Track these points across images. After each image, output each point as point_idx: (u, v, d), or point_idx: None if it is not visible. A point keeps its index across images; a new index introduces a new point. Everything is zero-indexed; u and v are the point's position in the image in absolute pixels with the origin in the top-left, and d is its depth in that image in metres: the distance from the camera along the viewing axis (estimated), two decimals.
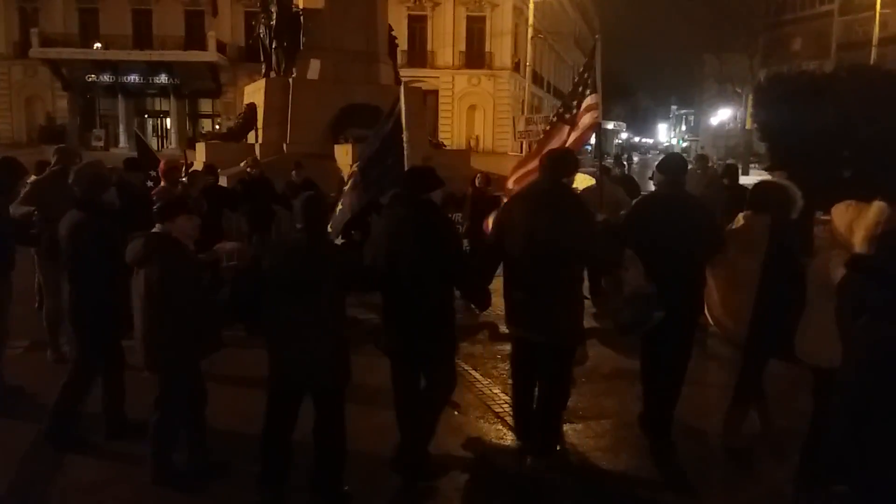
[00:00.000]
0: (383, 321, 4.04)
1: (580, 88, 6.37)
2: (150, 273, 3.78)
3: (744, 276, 4.23)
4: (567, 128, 6.30)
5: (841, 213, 3.81)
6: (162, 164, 7.71)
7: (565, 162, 4.36)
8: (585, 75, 6.38)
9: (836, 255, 3.59)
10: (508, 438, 4.73)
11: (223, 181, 12.64)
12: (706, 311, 4.51)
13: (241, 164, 13.39)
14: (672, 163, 4.83)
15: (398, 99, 5.67)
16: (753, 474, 4.35)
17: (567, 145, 6.15)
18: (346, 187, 5.88)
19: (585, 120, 6.17)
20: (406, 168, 5.05)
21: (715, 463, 4.44)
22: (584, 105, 6.18)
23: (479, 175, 9.90)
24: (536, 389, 4.35)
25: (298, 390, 3.74)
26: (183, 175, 8.07)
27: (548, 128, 6.77)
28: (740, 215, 4.45)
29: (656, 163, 4.93)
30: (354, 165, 5.75)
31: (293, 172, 9.46)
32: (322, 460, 3.80)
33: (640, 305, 4.21)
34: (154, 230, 3.90)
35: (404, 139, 5.38)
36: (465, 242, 7.56)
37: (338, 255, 3.90)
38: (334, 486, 3.82)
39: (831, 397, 3.00)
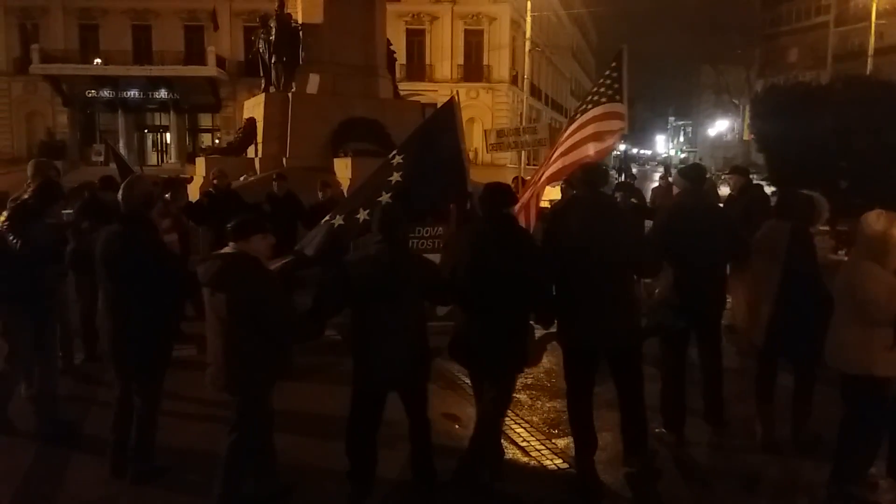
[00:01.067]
0: (461, 333, 4.17)
1: (601, 93, 6.40)
2: (234, 295, 3.63)
3: (767, 282, 4.46)
4: (588, 137, 6.32)
5: (874, 221, 3.85)
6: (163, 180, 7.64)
7: (600, 173, 4.61)
8: (609, 82, 6.42)
9: (868, 267, 3.74)
10: (508, 451, 4.72)
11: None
12: (731, 315, 4.79)
13: (241, 179, 13.44)
14: (695, 172, 5.07)
15: (451, 111, 5.60)
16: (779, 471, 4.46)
17: (593, 155, 6.22)
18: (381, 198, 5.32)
19: (612, 126, 6.23)
20: (467, 183, 5.26)
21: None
22: (608, 111, 6.24)
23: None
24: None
25: (383, 390, 3.95)
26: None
27: (566, 133, 6.65)
28: (766, 223, 4.75)
29: (678, 170, 5.29)
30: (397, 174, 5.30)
31: (274, 184, 9.22)
32: (418, 448, 4.11)
33: (667, 313, 4.51)
34: (227, 250, 3.75)
35: (463, 151, 5.40)
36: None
37: (419, 265, 4.06)
38: (430, 468, 4.12)
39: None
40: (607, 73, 6.77)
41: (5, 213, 4.79)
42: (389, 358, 3.82)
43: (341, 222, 5.13)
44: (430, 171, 5.29)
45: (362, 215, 5.02)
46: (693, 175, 4.97)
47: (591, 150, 6.39)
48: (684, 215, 4.75)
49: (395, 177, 5.22)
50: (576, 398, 4.39)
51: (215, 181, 8.97)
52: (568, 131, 6.74)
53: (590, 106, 6.61)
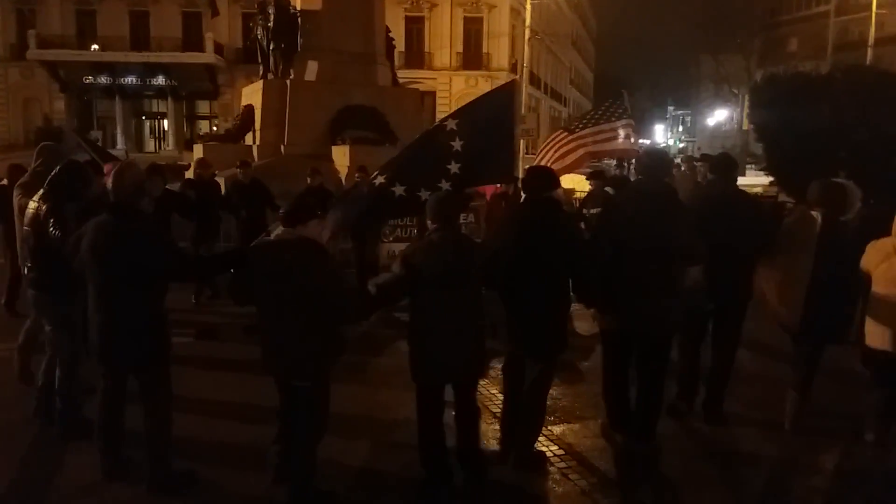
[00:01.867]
0: (506, 318, 4.22)
1: (611, 113, 6.53)
2: (302, 280, 3.54)
3: (799, 268, 4.60)
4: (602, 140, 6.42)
5: None
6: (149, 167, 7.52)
7: (665, 163, 4.81)
8: (612, 109, 6.57)
9: None
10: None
11: (220, 182, 12.68)
12: (762, 301, 4.92)
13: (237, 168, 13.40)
14: (724, 161, 5.24)
15: (510, 94, 5.58)
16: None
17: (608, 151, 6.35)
18: (442, 185, 5.20)
19: (624, 133, 6.38)
20: (515, 167, 5.20)
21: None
22: (619, 124, 6.39)
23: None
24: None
25: (445, 381, 3.95)
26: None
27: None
28: (799, 210, 4.96)
29: (710, 161, 5.53)
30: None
31: (239, 172, 9.11)
32: (466, 440, 4.11)
33: (698, 297, 4.67)
34: (286, 235, 3.66)
35: (516, 136, 5.34)
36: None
37: (478, 251, 4.06)
38: (478, 460, 4.14)
39: None
40: (611, 105, 6.91)
41: (39, 199, 4.44)
42: (451, 348, 3.85)
43: (402, 193, 5.02)
44: (483, 151, 5.25)
45: (424, 195, 4.96)
46: (722, 165, 5.17)
47: (605, 147, 6.54)
48: (714, 203, 4.88)
49: (454, 167, 5.16)
50: (613, 378, 4.63)
51: (200, 170, 8.83)
52: (575, 135, 6.78)
53: (601, 122, 6.73)
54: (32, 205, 4.48)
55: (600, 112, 7.07)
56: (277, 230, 3.73)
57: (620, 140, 6.72)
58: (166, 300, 4.01)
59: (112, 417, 4.03)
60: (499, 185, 9.24)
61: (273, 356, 3.69)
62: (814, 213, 4.69)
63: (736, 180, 5.17)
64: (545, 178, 4.34)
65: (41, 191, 4.48)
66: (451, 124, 5.19)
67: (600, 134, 6.67)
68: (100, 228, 3.80)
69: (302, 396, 3.69)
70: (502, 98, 5.61)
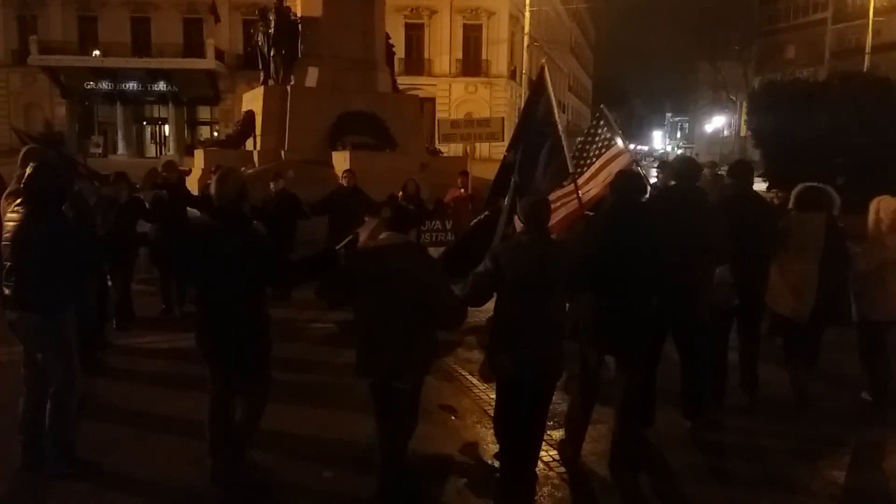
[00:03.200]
0: (593, 319, 4.27)
1: (600, 145, 6.49)
2: (411, 283, 3.63)
3: (806, 264, 5.18)
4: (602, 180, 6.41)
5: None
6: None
7: (693, 167, 5.16)
8: (601, 135, 6.49)
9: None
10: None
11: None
12: (769, 294, 5.36)
13: (242, 170, 13.47)
14: (741, 168, 5.71)
15: (541, 83, 5.81)
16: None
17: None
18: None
19: (620, 164, 6.39)
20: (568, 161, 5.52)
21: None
22: (612, 155, 6.37)
23: (409, 181, 9.41)
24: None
25: (530, 380, 3.97)
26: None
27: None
28: (794, 214, 5.39)
29: (727, 168, 6.01)
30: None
31: (272, 183, 9.05)
32: (534, 440, 4.16)
33: (725, 292, 5.00)
34: (391, 240, 3.73)
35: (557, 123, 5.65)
36: None
37: (567, 254, 4.12)
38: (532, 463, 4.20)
39: None
40: (595, 129, 6.80)
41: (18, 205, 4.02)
42: (536, 348, 3.91)
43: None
44: (539, 157, 5.53)
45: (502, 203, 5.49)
46: (739, 171, 5.62)
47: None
48: (734, 205, 5.23)
49: (515, 178, 5.58)
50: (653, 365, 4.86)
51: (165, 173, 8.60)
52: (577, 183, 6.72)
53: (593, 159, 6.70)
54: (13, 214, 4.01)
55: (589, 145, 6.88)
56: (382, 235, 3.80)
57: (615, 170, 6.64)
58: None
59: (222, 420, 3.96)
60: (462, 190, 9.24)
61: (375, 357, 3.72)
62: (813, 215, 5.24)
63: (752, 184, 5.60)
64: (638, 183, 4.53)
65: (20, 198, 4.02)
66: (510, 156, 5.71)
67: (598, 176, 6.57)
68: (206, 232, 3.89)
69: (400, 397, 3.75)
70: (538, 91, 5.85)
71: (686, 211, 4.66)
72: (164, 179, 8.53)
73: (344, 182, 9.17)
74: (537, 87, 5.96)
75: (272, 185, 8.97)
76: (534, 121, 5.72)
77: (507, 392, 4.09)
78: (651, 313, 4.32)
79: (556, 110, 5.76)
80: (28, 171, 3.96)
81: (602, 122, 6.60)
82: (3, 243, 3.99)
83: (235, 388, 3.98)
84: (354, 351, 3.81)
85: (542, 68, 6.04)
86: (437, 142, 10.98)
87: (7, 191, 4.93)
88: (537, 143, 5.66)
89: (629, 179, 4.52)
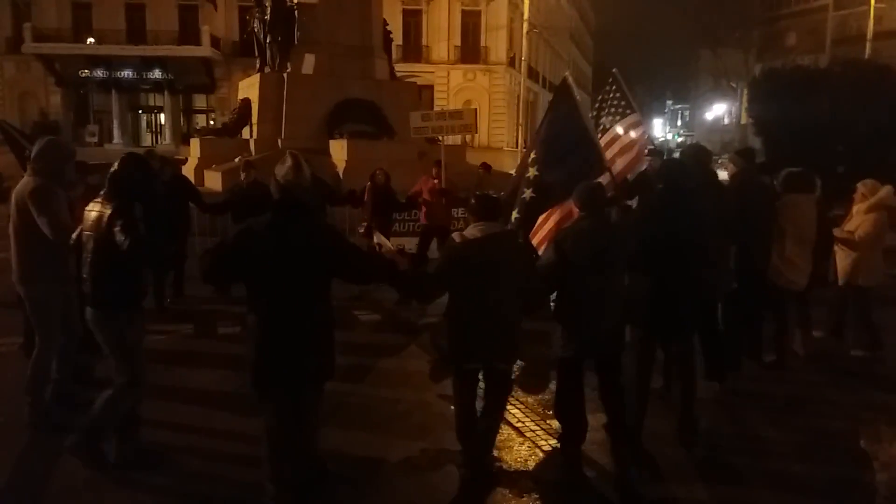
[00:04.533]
0: (649, 301, 4.37)
1: (613, 113, 6.57)
2: (512, 268, 3.86)
3: (802, 240, 5.80)
4: (616, 154, 6.53)
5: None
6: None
7: (708, 154, 5.91)
8: (615, 102, 6.59)
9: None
10: (504, 432, 4.73)
11: (217, 176, 12.63)
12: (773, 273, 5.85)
13: (236, 160, 13.35)
14: (746, 154, 6.21)
15: (567, 93, 5.95)
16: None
17: (623, 169, 6.52)
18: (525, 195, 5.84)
19: (633, 136, 6.47)
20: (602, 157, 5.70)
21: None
22: (626, 126, 6.48)
23: (378, 171, 9.01)
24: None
25: (590, 356, 4.13)
26: None
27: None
28: (789, 195, 5.83)
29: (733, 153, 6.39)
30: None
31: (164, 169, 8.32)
32: (615, 415, 4.26)
33: (725, 275, 5.42)
34: (491, 229, 3.84)
35: (589, 129, 5.79)
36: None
37: (624, 237, 4.24)
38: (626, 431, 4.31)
39: None
40: (609, 94, 6.91)
41: (101, 200, 3.93)
42: (602, 327, 4.07)
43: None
44: (563, 155, 5.61)
45: (513, 214, 5.68)
46: (745, 157, 6.12)
47: (619, 165, 6.65)
48: (743, 190, 5.71)
49: (532, 171, 5.62)
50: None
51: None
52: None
53: (607, 126, 6.85)
54: (94, 207, 3.93)
55: (604, 111, 6.98)
56: (474, 225, 3.84)
57: (635, 149, 6.65)
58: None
59: (292, 439, 3.48)
60: (435, 181, 9.06)
61: (479, 343, 3.83)
62: (805, 196, 5.84)
63: (756, 170, 6.10)
64: (683, 171, 4.79)
65: (103, 190, 3.95)
66: (532, 154, 5.82)
67: (614, 145, 6.66)
68: (277, 230, 3.29)
69: (502, 378, 4.00)
70: (563, 99, 5.96)
71: (715, 196, 5.18)
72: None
73: (243, 175, 8.61)
74: (562, 97, 6.01)
75: (243, 176, 8.53)
76: (558, 125, 5.83)
77: (571, 373, 4.20)
78: (697, 291, 4.57)
79: (586, 114, 5.89)
80: (114, 165, 3.97)
81: (615, 88, 6.61)
82: (85, 233, 3.99)
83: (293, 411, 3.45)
84: (447, 340, 3.94)
85: (565, 80, 6.04)
86: (410, 134, 10.75)
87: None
88: (562, 146, 5.75)
89: (676, 168, 4.82)
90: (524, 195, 5.64)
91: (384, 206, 8.85)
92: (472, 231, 3.83)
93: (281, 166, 3.40)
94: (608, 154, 6.45)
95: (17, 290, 4.77)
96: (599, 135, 6.64)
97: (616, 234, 4.22)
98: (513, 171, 6.97)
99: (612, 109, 6.82)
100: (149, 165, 4.21)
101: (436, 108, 11.31)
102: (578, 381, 4.21)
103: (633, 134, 6.66)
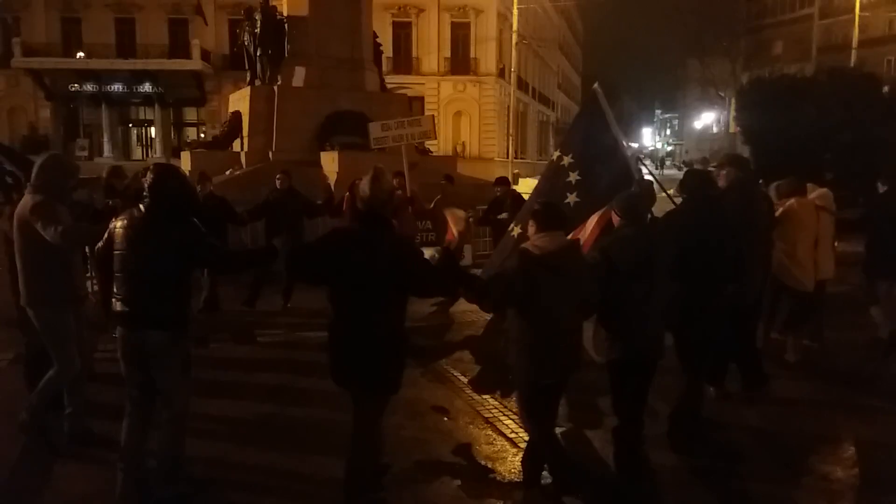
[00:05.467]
0: (687, 308, 4.53)
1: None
2: (582, 276, 3.92)
3: (807, 242, 6.20)
4: None
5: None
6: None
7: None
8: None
9: None
10: (498, 443, 4.74)
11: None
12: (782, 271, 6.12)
13: (227, 173, 13.34)
14: (740, 161, 6.33)
15: (596, 104, 5.88)
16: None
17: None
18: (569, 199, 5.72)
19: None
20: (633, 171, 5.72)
21: None
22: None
23: (358, 179, 9.06)
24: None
25: (639, 362, 4.18)
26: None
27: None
28: (792, 201, 6.18)
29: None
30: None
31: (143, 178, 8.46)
32: (631, 420, 4.30)
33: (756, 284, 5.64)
34: (562, 238, 3.90)
35: (620, 141, 5.77)
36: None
37: (667, 244, 4.32)
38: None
39: None
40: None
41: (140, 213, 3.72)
42: (647, 332, 4.16)
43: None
44: (600, 167, 5.64)
45: None
46: (740, 164, 6.13)
47: None
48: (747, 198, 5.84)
49: (573, 176, 5.57)
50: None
51: (112, 180, 7.75)
52: None
53: None
54: (124, 222, 3.72)
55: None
56: (541, 236, 3.85)
57: None
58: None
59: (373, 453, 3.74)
60: (399, 191, 9.04)
61: (552, 359, 3.87)
62: (804, 200, 6.24)
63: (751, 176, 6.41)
64: (710, 181, 5.14)
65: (141, 204, 3.72)
66: (567, 159, 5.67)
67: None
68: (352, 239, 3.52)
69: (561, 391, 4.08)
70: (592, 113, 5.92)
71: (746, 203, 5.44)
72: (110, 186, 7.53)
73: (278, 184, 8.71)
74: (593, 106, 5.99)
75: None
76: (592, 132, 5.81)
77: (622, 375, 4.25)
78: (727, 298, 4.78)
79: (614, 124, 5.88)
80: (150, 176, 3.70)
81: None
82: (116, 253, 3.69)
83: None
84: (514, 355, 3.92)
85: (594, 91, 6.03)
86: (371, 145, 10.67)
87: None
88: (594, 154, 5.75)
89: (704, 179, 5.11)
90: (567, 200, 5.53)
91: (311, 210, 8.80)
92: (541, 241, 3.83)
93: (364, 179, 3.65)
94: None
95: (20, 311, 4.62)
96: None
97: (659, 240, 4.31)
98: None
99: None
100: (184, 175, 3.95)
101: (402, 118, 11.21)
102: (630, 380, 4.24)
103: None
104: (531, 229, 3.95)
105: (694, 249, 4.51)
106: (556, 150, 5.93)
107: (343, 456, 3.65)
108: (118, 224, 3.73)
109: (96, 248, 3.86)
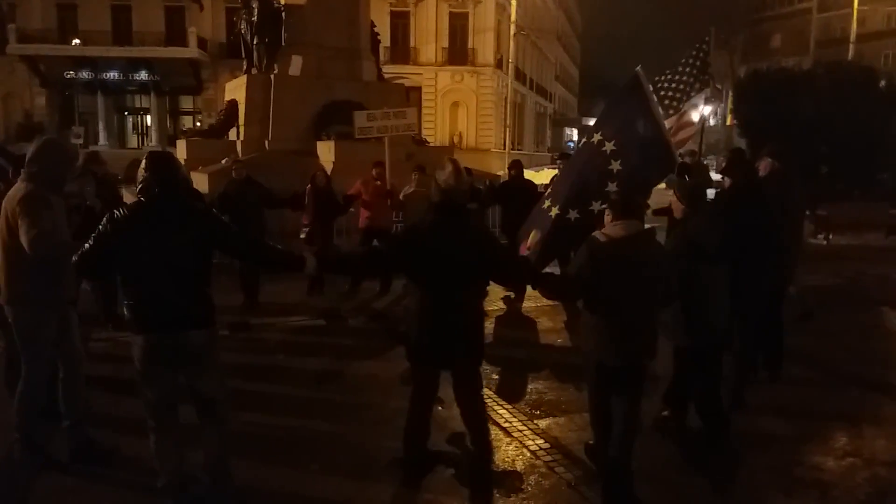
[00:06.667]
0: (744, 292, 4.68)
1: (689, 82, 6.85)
2: (655, 265, 3.99)
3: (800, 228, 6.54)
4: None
5: None
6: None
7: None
8: (695, 70, 6.85)
9: None
10: (492, 432, 4.75)
11: (203, 178, 12.59)
12: None
13: (223, 162, 13.28)
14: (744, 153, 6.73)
15: (639, 87, 5.88)
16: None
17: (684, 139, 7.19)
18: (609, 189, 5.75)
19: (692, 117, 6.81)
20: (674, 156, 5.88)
21: None
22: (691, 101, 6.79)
23: (319, 172, 9.04)
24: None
25: (715, 342, 4.39)
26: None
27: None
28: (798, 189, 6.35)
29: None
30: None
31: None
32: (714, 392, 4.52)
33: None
34: (635, 228, 3.86)
35: (662, 126, 5.82)
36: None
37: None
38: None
39: None
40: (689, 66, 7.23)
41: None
42: (718, 315, 4.34)
43: (577, 215, 5.55)
44: (641, 152, 5.65)
45: (596, 206, 5.44)
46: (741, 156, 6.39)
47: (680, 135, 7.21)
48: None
49: (616, 165, 5.59)
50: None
51: (93, 167, 7.20)
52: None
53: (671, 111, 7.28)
54: (128, 219, 3.42)
55: (686, 77, 7.26)
56: (618, 224, 3.85)
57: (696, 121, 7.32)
58: None
59: (423, 410, 4.14)
60: (378, 182, 9.00)
61: (629, 343, 3.86)
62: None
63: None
64: (749, 167, 5.56)
65: (142, 196, 3.41)
66: (609, 146, 5.63)
67: (683, 117, 7.19)
68: (437, 229, 3.77)
69: (642, 375, 3.94)
70: (633, 98, 5.89)
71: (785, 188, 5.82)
72: (93, 173, 6.90)
73: (234, 174, 8.50)
74: (634, 90, 5.98)
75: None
76: (632, 115, 5.84)
77: (698, 360, 4.42)
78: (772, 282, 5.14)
79: (657, 110, 5.98)
80: (150, 165, 3.41)
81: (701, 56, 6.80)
82: (127, 253, 3.41)
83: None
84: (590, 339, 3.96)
85: (637, 74, 6.00)
86: (355, 134, 10.65)
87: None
88: (635, 142, 5.78)
89: (744, 163, 5.53)
90: (608, 189, 5.55)
91: (325, 209, 8.73)
92: (615, 230, 3.84)
93: (442, 172, 3.82)
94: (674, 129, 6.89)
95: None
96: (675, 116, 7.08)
97: (726, 226, 4.48)
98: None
99: (693, 81, 7.21)
100: (178, 164, 3.64)
101: (388, 109, 11.17)
102: (704, 365, 4.41)
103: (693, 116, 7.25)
104: (607, 218, 3.97)
105: (743, 233, 4.70)
106: (595, 133, 5.83)
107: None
108: (121, 221, 3.32)
109: (79, 253, 3.40)
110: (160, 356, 3.38)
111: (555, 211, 5.62)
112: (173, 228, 3.33)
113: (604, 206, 5.61)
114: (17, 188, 3.95)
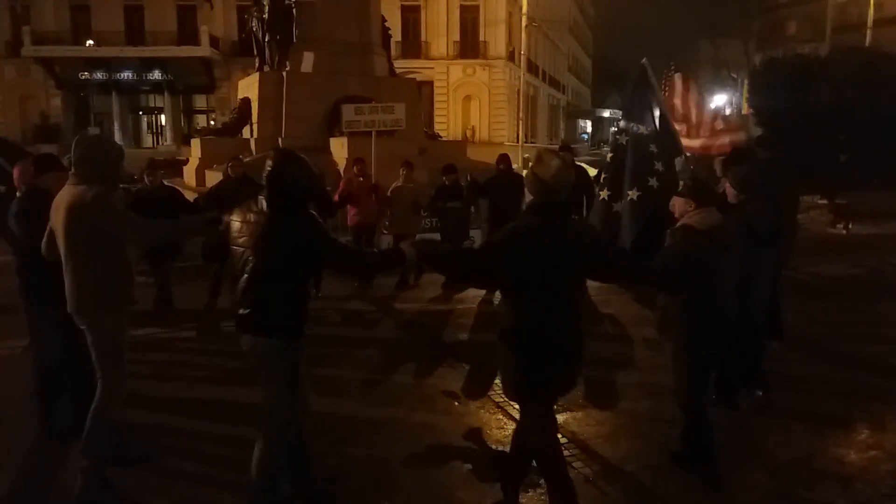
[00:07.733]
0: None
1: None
2: (736, 254, 4.12)
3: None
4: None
5: None
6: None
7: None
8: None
9: None
10: (508, 427, 4.73)
11: (218, 177, 12.65)
12: None
13: (244, 158, 13.35)
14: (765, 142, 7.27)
15: (644, 76, 6.37)
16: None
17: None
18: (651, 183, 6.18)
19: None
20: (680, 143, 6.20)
21: None
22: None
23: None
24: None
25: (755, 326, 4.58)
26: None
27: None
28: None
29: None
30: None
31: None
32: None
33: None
34: (716, 216, 3.95)
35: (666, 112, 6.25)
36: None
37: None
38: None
39: None
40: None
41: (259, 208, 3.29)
42: (765, 295, 4.71)
43: (639, 193, 6.09)
44: (659, 137, 6.13)
45: (654, 182, 6.10)
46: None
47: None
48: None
49: (653, 147, 6.16)
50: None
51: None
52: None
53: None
54: (240, 217, 3.30)
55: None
56: (699, 212, 3.88)
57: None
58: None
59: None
60: (360, 178, 8.95)
61: (723, 327, 4.01)
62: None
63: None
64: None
65: (259, 198, 3.27)
66: (642, 129, 6.22)
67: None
68: (539, 233, 3.13)
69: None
70: (645, 86, 6.40)
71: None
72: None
73: (230, 171, 8.19)
74: (643, 80, 6.52)
75: (146, 179, 7.63)
76: (646, 102, 6.37)
77: (749, 340, 4.64)
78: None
79: (661, 98, 6.44)
80: (269, 166, 3.21)
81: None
82: (236, 249, 3.28)
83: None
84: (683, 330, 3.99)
85: (643, 66, 6.45)
86: (342, 128, 10.60)
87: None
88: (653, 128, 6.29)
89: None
90: (650, 183, 6.11)
91: (318, 207, 8.69)
92: (702, 219, 3.86)
93: (543, 165, 3.16)
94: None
95: (31, 318, 4.11)
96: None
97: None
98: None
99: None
100: (306, 162, 3.36)
101: (376, 104, 11.20)
102: (751, 346, 4.78)
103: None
104: (685, 206, 3.96)
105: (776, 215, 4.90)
106: (629, 122, 6.39)
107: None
108: (235, 219, 3.31)
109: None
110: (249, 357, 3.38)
111: (632, 195, 6.10)
112: (276, 234, 3.22)
113: (658, 183, 6.09)
114: (79, 192, 3.54)
